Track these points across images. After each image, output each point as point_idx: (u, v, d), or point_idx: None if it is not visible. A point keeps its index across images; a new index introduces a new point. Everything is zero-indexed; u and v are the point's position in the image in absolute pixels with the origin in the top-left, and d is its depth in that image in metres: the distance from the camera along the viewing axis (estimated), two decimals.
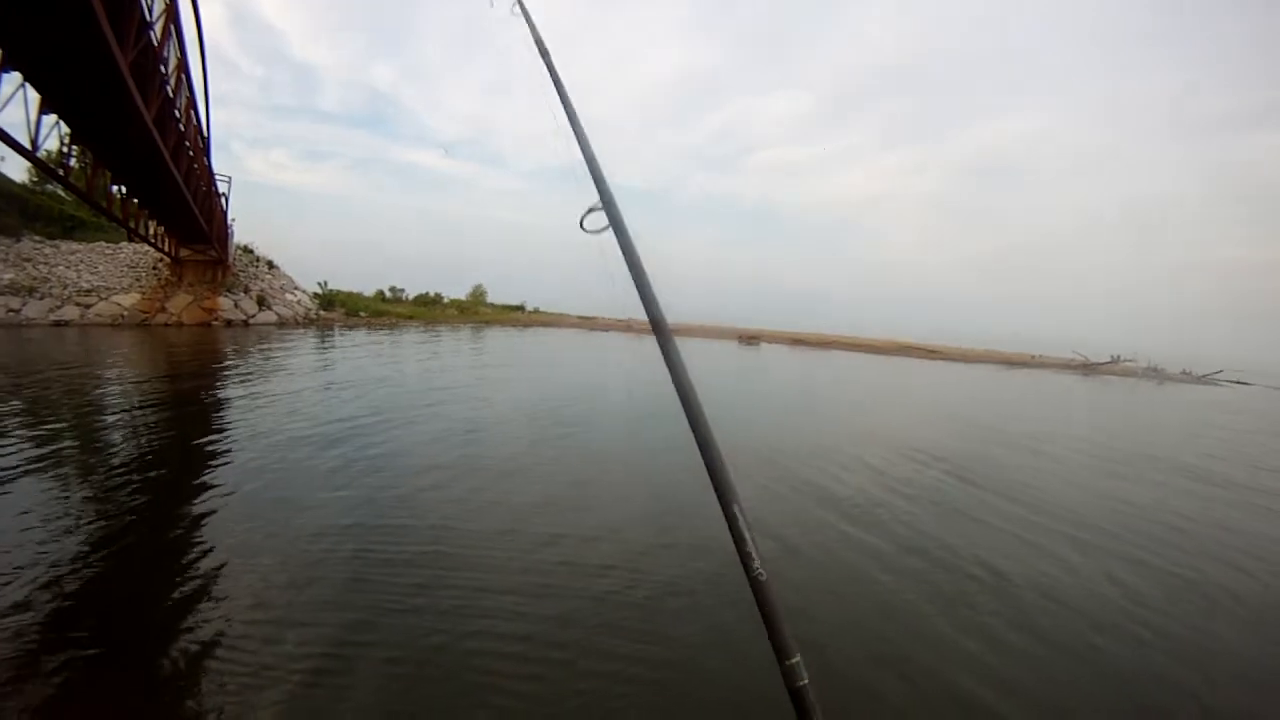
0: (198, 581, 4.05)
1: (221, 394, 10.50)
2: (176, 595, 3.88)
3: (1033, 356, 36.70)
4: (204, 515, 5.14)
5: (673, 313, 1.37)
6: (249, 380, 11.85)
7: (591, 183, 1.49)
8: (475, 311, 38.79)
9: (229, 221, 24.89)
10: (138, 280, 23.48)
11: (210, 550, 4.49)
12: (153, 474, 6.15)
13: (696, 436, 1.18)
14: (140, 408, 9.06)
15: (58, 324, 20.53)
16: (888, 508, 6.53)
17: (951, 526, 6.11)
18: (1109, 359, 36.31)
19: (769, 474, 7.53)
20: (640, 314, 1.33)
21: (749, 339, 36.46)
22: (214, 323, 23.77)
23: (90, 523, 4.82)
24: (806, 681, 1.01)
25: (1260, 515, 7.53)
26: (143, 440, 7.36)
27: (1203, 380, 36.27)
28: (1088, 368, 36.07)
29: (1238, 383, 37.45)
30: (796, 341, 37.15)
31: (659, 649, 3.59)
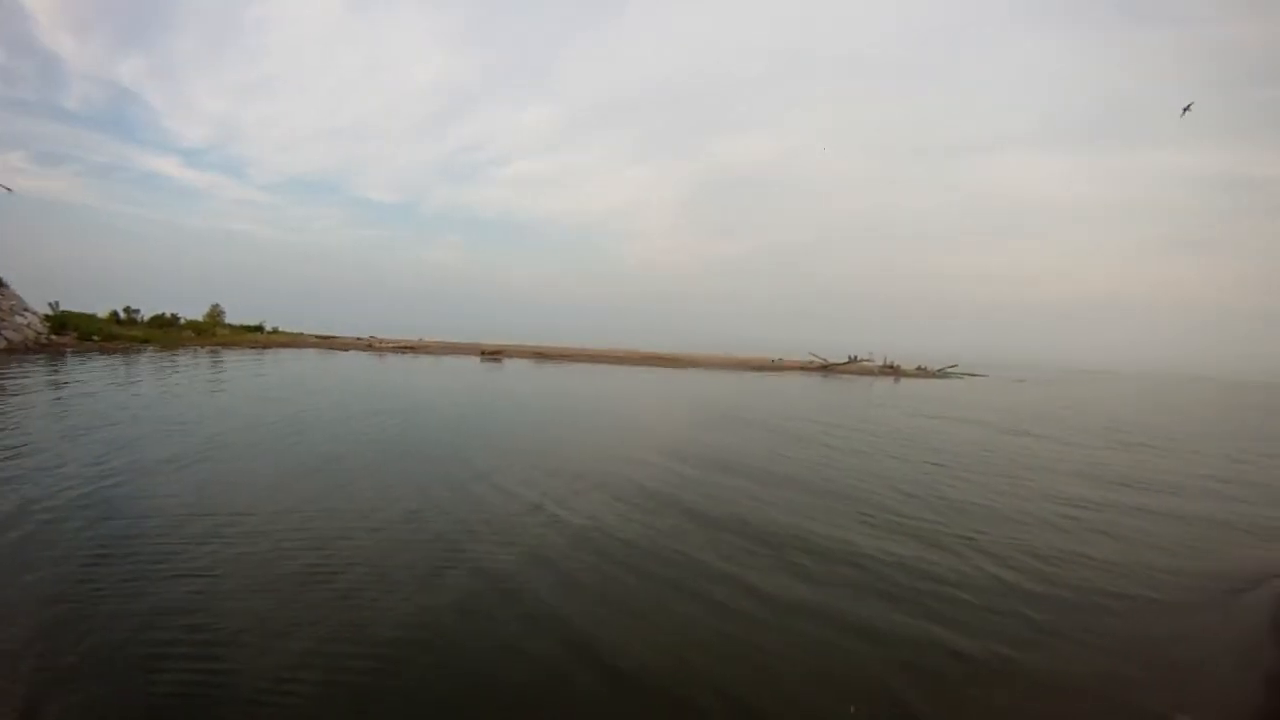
0: None
1: None
2: None
3: (774, 361, 36.66)
4: None
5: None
6: None
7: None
8: (212, 333, 35.99)
9: None
10: None
11: None
12: None
13: None
14: None
15: None
16: None
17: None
18: (846, 359, 36.74)
19: None
20: None
21: (491, 354, 35.01)
22: None
23: None
24: None
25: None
26: None
27: (937, 375, 37.08)
28: (827, 369, 36.28)
29: (972, 375, 38.55)
30: (539, 355, 35.91)
31: None
